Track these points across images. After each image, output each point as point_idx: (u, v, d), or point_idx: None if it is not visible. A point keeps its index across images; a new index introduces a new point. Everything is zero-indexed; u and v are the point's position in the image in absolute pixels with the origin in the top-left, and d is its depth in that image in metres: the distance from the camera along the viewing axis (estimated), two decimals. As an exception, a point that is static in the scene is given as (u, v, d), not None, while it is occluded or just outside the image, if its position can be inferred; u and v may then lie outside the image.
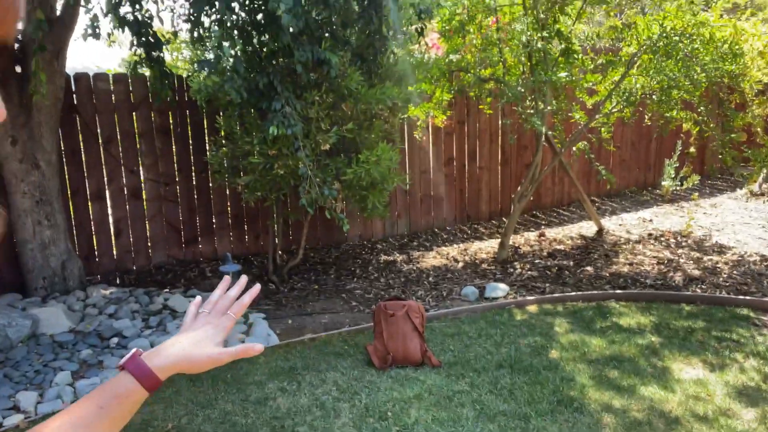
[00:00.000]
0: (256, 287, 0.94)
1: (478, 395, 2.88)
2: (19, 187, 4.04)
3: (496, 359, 3.24)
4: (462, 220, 6.15)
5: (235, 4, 3.88)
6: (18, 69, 3.98)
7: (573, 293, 4.14)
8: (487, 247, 5.34)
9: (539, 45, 4.46)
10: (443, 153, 5.92)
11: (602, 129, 5.35)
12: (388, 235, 5.80)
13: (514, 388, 2.93)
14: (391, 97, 4.17)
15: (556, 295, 4.12)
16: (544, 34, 4.48)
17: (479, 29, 4.84)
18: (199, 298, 0.92)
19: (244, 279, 0.95)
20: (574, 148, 5.51)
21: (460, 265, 4.93)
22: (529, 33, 4.50)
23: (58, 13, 4.05)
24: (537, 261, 4.90)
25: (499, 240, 5.14)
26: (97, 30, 3.91)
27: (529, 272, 4.65)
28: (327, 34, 4.27)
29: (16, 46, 3.99)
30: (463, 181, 6.09)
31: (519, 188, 5.12)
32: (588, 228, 5.79)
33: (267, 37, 4.10)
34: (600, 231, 5.59)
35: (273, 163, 4.02)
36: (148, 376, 0.77)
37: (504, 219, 6.19)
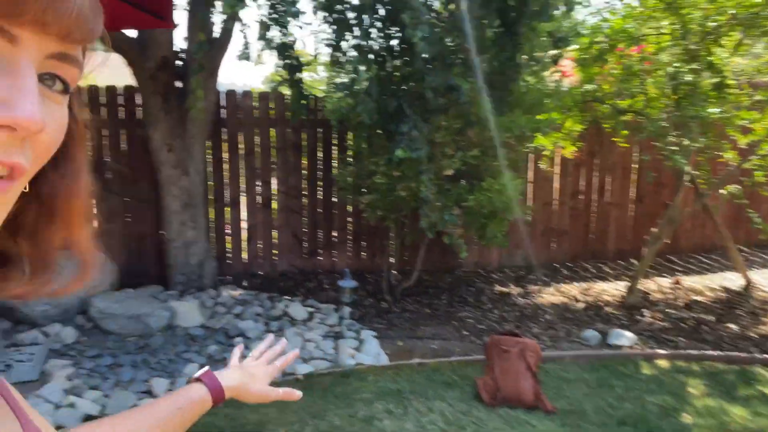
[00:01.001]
0: (294, 352, 1.10)
1: (596, 451, 2.67)
2: (170, 190, 4.49)
3: (618, 414, 2.98)
4: (585, 257, 5.81)
5: (373, 31, 4.03)
6: (178, 84, 4.45)
7: (713, 352, 3.71)
8: (612, 289, 4.98)
9: (688, 78, 4.12)
10: (569, 185, 5.66)
11: (757, 172, 4.79)
12: (504, 265, 5.63)
13: (638, 450, 2.67)
14: (519, 126, 4.08)
15: (693, 351, 3.72)
16: (694, 66, 4.13)
17: (620, 58, 4.59)
18: (241, 345, 1.08)
19: (284, 341, 1.11)
20: (722, 191, 5.00)
21: (581, 305, 4.64)
22: (676, 64, 4.18)
23: (215, 34, 4.48)
24: (670, 311, 4.48)
25: (627, 283, 4.77)
26: (249, 52, 4.26)
27: (661, 322, 4.25)
28: (459, 61, 4.28)
29: (179, 63, 4.47)
30: (590, 216, 5.76)
31: (654, 229, 4.73)
32: (732, 280, 5.20)
33: (400, 62, 4.20)
34: (747, 285, 4.98)
35: (396, 185, 4.09)
36: (218, 390, 0.90)
37: (632, 260, 5.75)
